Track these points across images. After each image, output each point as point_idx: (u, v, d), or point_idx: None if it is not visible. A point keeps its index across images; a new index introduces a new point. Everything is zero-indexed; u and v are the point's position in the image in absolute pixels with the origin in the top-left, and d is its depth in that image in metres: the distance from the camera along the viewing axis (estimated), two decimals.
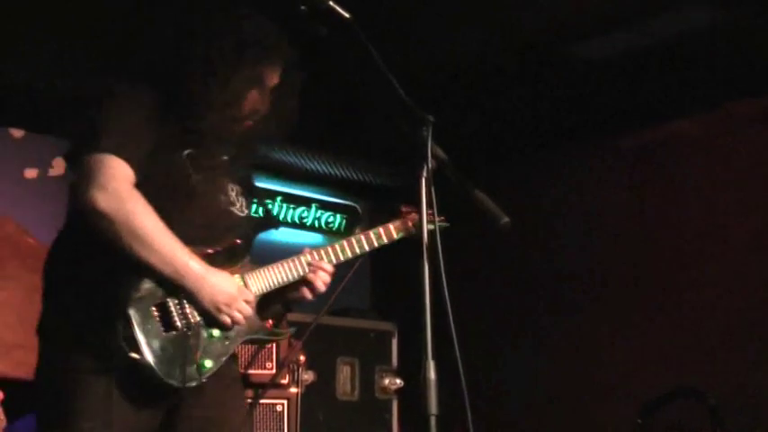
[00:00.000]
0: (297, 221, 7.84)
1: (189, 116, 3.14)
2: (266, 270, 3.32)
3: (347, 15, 2.77)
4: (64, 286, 3.08)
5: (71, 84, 5.88)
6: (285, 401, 5.35)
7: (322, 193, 8.03)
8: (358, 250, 3.53)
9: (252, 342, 3.40)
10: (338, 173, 7.79)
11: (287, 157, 7.25)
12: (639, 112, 6.48)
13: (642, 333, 6.42)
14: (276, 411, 5.35)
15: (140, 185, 3.03)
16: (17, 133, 6.31)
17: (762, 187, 6.02)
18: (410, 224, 3.62)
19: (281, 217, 7.71)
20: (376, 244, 3.58)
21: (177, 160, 3.14)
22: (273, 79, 3.30)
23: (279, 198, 7.71)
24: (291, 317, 5.33)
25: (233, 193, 3.35)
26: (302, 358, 5.29)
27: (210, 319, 3.11)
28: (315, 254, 3.43)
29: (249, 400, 5.14)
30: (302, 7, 2.79)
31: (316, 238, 7.95)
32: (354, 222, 8.16)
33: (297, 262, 3.39)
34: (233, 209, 3.33)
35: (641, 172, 6.69)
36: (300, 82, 3.38)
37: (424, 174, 2.75)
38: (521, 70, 5.96)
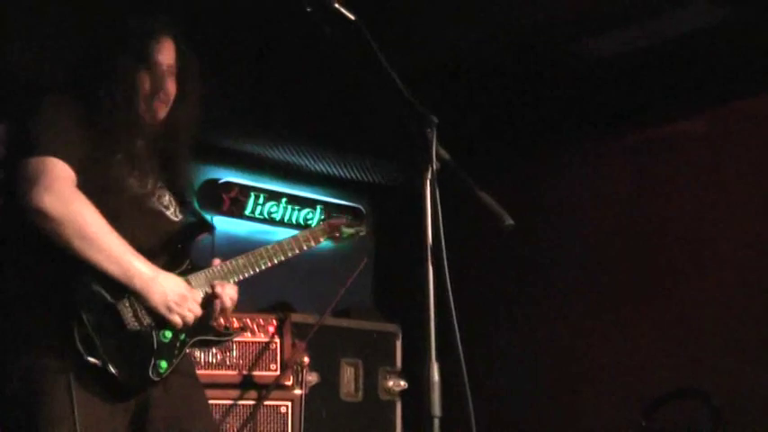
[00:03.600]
0: (302, 223, 7.84)
1: (104, 117, 3.16)
2: (207, 272, 3.34)
3: (353, 17, 2.77)
4: (14, 294, 3.06)
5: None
6: (289, 403, 5.35)
7: (327, 195, 8.04)
8: (289, 254, 3.60)
9: (202, 344, 3.39)
10: (343, 174, 7.79)
11: (292, 159, 7.26)
12: (644, 110, 6.47)
13: (644, 332, 6.41)
14: (280, 413, 5.35)
15: (79, 188, 3.05)
16: None
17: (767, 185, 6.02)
18: (333, 229, 3.85)
19: (287, 219, 7.72)
20: (305, 247, 3.65)
21: (111, 162, 3.17)
22: (165, 56, 3.30)
23: (284, 199, 7.71)
24: (295, 318, 5.38)
25: (165, 198, 3.37)
26: (306, 359, 5.29)
27: (160, 319, 3.12)
28: (230, 262, 3.42)
29: (253, 402, 5.16)
30: (308, 9, 2.79)
31: None
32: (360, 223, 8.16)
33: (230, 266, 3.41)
34: (167, 213, 3.35)
35: (645, 170, 6.67)
36: (196, 60, 3.40)
37: (429, 174, 2.75)
38: (523, 68, 5.95)
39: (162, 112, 3.33)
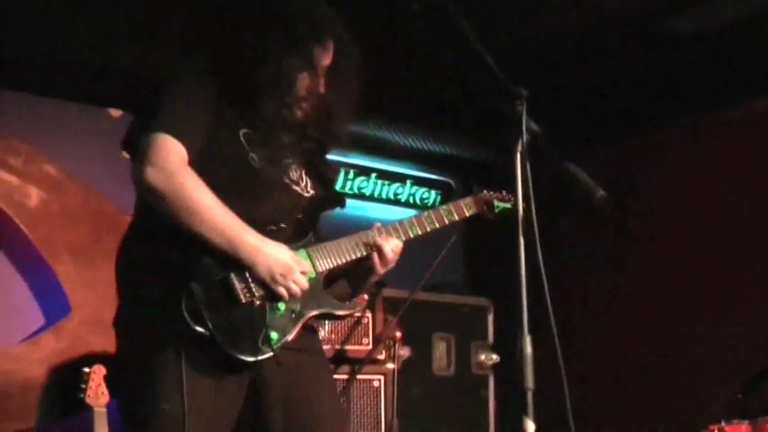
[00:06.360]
0: (392, 198, 7.84)
1: (247, 101, 3.20)
2: (333, 245, 3.34)
3: None
4: (134, 267, 3.11)
5: (169, 65, 5.96)
6: (382, 377, 5.39)
7: (416, 170, 8.03)
8: (428, 227, 3.57)
9: (324, 317, 3.38)
10: (433, 149, 7.77)
11: (382, 134, 7.26)
12: (743, 86, 6.33)
13: (742, 308, 6.31)
14: (373, 387, 5.39)
15: (200, 163, 3.08)
16: (116, 113, 6.40)
17: None
18: (482, 202, 3.70)
19: (377, 194, 7.73)
20: (446, 221, 3.60)
21: (235, 138, 3.19)
22: (324, 60, 3.31)
23: (374, 175, 7.72)
24: (387, 292, 5.40)
25: (296, 174, 3.38)
26: (398, 334, 5.31)
27: (272, 292, 3.12)
28: (382, 230, 3.46)
29: (346, 376, 5.20)
30: None
31: (410, 213, 7.91)
32: (449, 198, 8.14)
33: (363, 238, 3.42)
34: (296, 188, 3.36)
35: (746, 145, 6.53)
36: (355, 62, 3.39)
37: (519, 148, 2.74)
38: (608, 46, 5.87)
39: (306, 109, 3.33)
